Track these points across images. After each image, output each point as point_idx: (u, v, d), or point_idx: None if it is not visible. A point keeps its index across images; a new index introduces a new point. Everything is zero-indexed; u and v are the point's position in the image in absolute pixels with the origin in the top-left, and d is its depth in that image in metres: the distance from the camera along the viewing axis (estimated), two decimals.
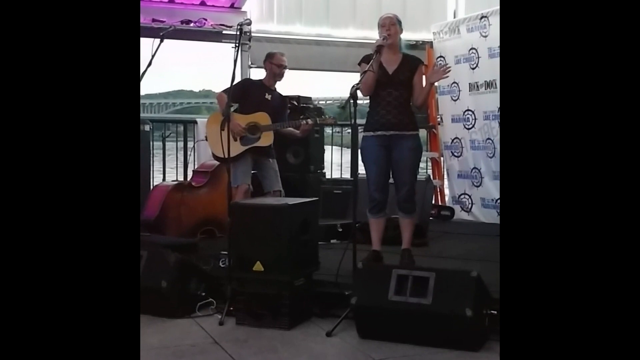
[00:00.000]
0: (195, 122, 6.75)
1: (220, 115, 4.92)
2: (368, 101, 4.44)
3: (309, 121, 5.01)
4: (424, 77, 4.41)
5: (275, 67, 5.13)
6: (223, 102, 4.94)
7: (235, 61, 4.28)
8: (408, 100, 4.32)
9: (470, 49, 6.71)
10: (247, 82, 5.27)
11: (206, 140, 5.10)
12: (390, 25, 4.28)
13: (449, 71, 4.34)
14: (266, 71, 5.19)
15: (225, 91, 4.95)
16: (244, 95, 4.96)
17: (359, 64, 4.30)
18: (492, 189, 6.53)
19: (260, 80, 5.22)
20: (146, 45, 4.21)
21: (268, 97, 5.08)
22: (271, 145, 5.03)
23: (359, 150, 4.25)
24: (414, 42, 7.31)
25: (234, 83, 4.82)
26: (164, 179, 6.68)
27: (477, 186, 6.81)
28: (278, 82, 5.21)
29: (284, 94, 5.31)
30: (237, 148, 4.84)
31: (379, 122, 4.28)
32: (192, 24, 6.37)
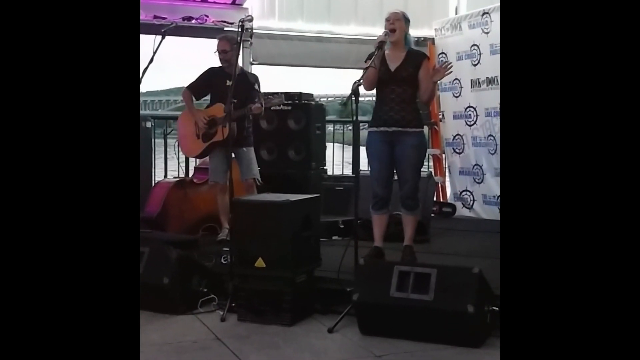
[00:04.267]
0: None
1: (185, 113, 5.07)
2: (370, 98, 4.44)
3: (255, 106, 4.82)
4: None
5: (218, 53, 4.98)
6: (187, 98, 5.05)
7: (236, 58, 4.28)
8: (412, 97, 4.31)
9: (472, 46, 6.70)
10: (210, 73, 5.09)
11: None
12: (395, 20, 4.27)
13: (451, 67, 4.34)
14: None
15: (189, 87, 5.03)
16: (209, 86, 4.88)
17: (366, 61, 4.28)
18: (493, 185, 6.52)
19: (221, 67, 5.09)
20: (148, 42, 4.21)
21: (229, 83, 4.79)
22: (243, 133, 4.94)
23: (365, 146, 4.26)
24: (416, 39, 7.29)
25: (200, 74, 4.89)
26: (165, 176, 6.68)
27: (479, 183, 6.81)
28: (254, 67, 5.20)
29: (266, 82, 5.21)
30: (199, 146, 4.91)
31: (382, 119, 4.28)
32: (193, 21, 6.35)
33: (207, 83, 4.91)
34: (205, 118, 4.90)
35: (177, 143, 5.30)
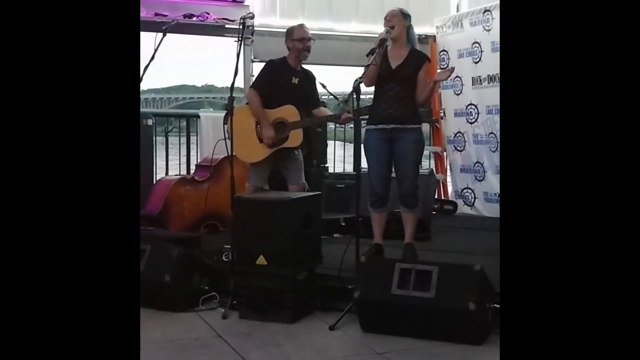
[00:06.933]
0: (197, 117, 6.75)
1: (246, 111, 4.53)
2: (371, 95, 4.43)
3: (347, 115, 4.35)
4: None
5: (298, 42, 4.56)
6: (254, 99, 4.51)
7: (238, 55, 4.26)
8: (411, 95, 4.29)
9: (473, 43, 6.70)
10: (272, 67, 4.57)
11: (229, 138, 4.24)
12: (392, 17, 4.25)
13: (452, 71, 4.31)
14: (289, 50, 4.63)
15: (255, 86, 4.56)
16: (271, 83, 4.42)
17: (367, 56, 4.27)
18: (494, 183, 6.52)
19: (284, 60, 4.62)
20: (149, 39, 4.21)
21: (295, 80, 4.59)
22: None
23: (362, 144, 4.24)
24: (417, 36, 7.28)
25: (261, 70, 4.50)
26: (166, 174, 6.68)
27: (480, 180, 6.81)
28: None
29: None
30: (263, 151, 4.44)
31: (381, 116, 4.28)
32: (194, 18, 6.36)
33: (268, 79, 4.44)
34: (271, 121, 4.46)
35: (226, 141, 4.24)
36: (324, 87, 4.90)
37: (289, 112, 4.53)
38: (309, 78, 4.72)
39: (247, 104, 4.73)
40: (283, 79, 4.54)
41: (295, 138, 4.57)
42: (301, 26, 4.69)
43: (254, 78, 4.85)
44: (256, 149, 4.51)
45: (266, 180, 4.74)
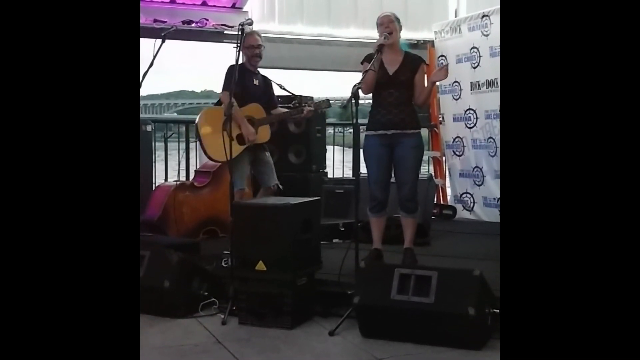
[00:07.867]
0: None
1: (216, 113, 4.63)
2: (370, 101, 4.45)
3: (308, 108, 4.74)
4: (425, 76, 4.42)
5: (247, 49, 4.77)
6: (228, 99, 4.51)
7: (236, 61, 4.28)
8: (410, 100, 4.32)
9: (472, 48, 6.71)
10: (239, 70, 4.54)
11: (199, 141, 4.67)
12: (389, 23, 4.27)
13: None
14: (246, 56, 4.87)
15: (227, 88, 4.59)
16: (238, 84, 4.45)
17: (362, 63, 4.30)
18: (493, 187, 6.52)
19: (243, 65, 4.81)
20: (148, 45, 4.21)
21: (256, 82, 4.85)
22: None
23: (361, 150, 4.24)
24: (415, 42, 7.31)
25: (227, 74, 4.63)
26: (166, 180, 6.68)
27: (479, 185, 6.81)
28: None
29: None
30: (235, 148, 4.39)
31: (380, 122, 4.29)
32: (193, 24, 6.36)
33: (238, 81, 4.48)
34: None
35: (197, 143, 4.72)
36: (282, 87, 5.14)
37: (255, 110, 4.75)
38: (267, 82, 4.99)
39: (216, 103, 4.91)
40: (247, 80, 4.76)
41: (264, 133, 4.79)
42: (252, 34, 4.86)
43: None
44: (228, 147, 4.48)
45: (249, 182, 4.87)
